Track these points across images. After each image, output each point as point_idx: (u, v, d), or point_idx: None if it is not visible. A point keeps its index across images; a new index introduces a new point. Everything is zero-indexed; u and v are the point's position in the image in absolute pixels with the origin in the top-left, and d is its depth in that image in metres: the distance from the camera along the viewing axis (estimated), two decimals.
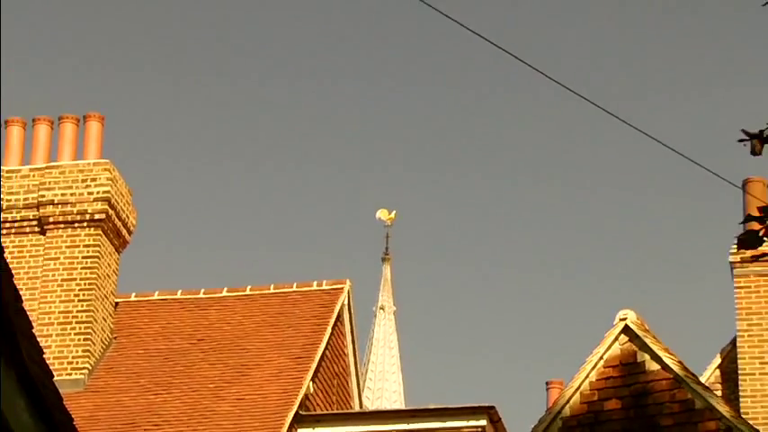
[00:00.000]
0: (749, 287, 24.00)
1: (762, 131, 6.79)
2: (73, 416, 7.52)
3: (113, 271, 24.95)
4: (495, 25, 66.17)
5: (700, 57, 70.22)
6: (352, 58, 70.17)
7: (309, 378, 23.50)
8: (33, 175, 24.73)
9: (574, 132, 66.99)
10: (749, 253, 23.13)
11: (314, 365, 23.79)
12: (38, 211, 24.44)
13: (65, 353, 23.65)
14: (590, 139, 67.76)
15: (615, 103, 64.78)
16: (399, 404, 27.86)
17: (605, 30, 68.71)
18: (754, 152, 6.77)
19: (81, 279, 24.30)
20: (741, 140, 6.75)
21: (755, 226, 6.92)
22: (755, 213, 6.86)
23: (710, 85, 63.95)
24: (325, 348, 24.46)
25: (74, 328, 24.11)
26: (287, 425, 22.20)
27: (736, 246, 7.36)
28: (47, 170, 24.75)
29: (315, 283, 26.00)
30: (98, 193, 24.43)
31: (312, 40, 68.81)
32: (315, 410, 23.44)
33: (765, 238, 6.98)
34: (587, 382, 18.53)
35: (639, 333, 18.46)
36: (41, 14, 64.96)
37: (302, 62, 69.52)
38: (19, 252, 23.85)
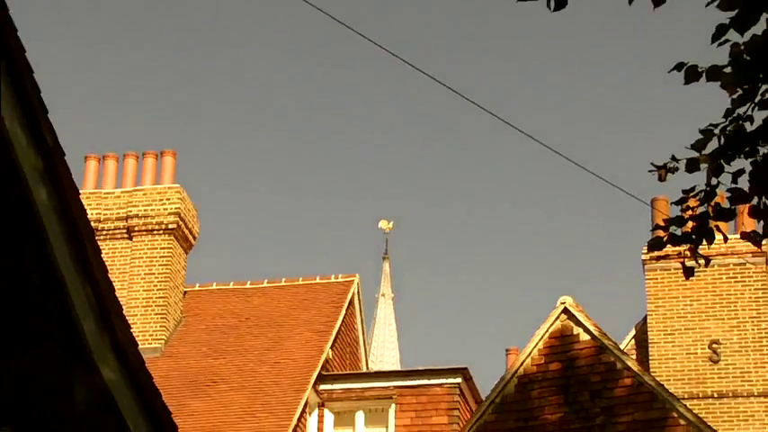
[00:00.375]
0: (656, 278, 24.12)
1: (666, 164, 6.43)
2: (152, 374, 7.57)
3: (182, 267, 25.38)
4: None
5: (623, 100, 69.54)
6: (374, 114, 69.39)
7: (328, 347, 23.83)
8: (123, 196, 25.22)
9: (521, 168, 67.19)
10: (656, 254, 23.36)
11: (332, 338, 24.12)
12: (126, 222, 24.91)
13: (146, 328, 23.98)
14: (533, 172, 67.70)
15: (556, 139, 64.83)
16: (396, 366, 27.71)
17: (527, 59, 67.45)
18: (661, 179, 6.46)
19: (158, 273, 24.87)
20: (650, 171, 6.43)
21: (661, 233, 6.72)
22: (661, 224, 6.79)
23: (632, 124, 64.02)
24: (340, 325, 24.80)
25: (153, 310, 24.40)
26: (312, 382, 22.59)
27: (647, 248, 7.02)
28: (133, 192, 25.27)
29: (332, 276, 26.21)
30: (171, 209, 24.91)
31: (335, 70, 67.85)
32: (332, 371, 23.71)
33: (668, 244, 6.74)
34: (536, 349, 18.34)
35: (575, 313, 18.28)
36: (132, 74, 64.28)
37: (330, 94, 68.83)
38: (112, 253, 24.17)
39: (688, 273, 6.93)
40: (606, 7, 67.42)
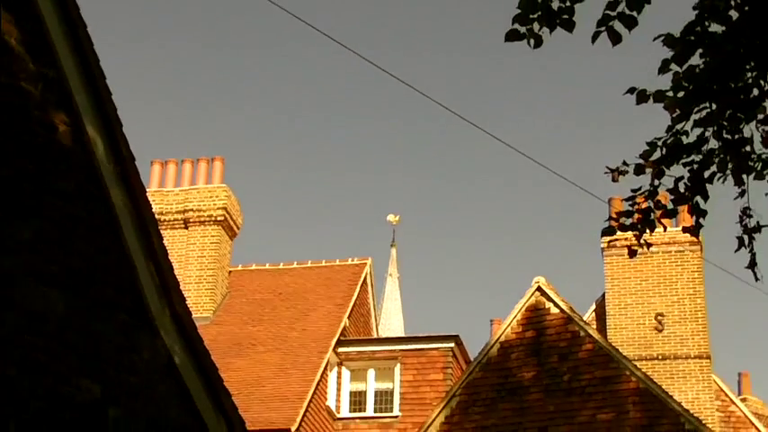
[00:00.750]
0: (612, 262, 24.11)
1: (618, 168, 6.47)
2: (203, 338, 7.57)
3: (228, 251, 25.40)
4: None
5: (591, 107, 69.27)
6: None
7: (346, 317, 23.96)
8: (181, 194, 25.27)
9: (507, 176, 67.16)
10: (610, 238, 23.28)
11: (348, 309, 24.24)
12: (183, 215, 24.95)
13: (199, 301, 24.04)
14: (518, 180, 67.61)
15: (532, 146, 64.60)
16: (400, 333, 27.67)
17: (508, 66, 67.41)
18: (614, 180, 6.47)
19: (209, 256, 24.96)
20: (605, 172, 6.48)
21: (613, 223, 6.75)
22: (614, 216, 6.77)
23: (602, 137, 63.96)
24: (356, 299, 24.84)
25: (204, 286, 24.43)
26: (332, 345, 22.64)
27: (601, 235, 7.08)
28: (189, 191, 25.33)
29: (350, 259, 26.29)
30: (219, 204, 24.98)
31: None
32: (349, 337, 23.73)
33: (618, 231, 6.77)
34: (515, 320, 18.38)
35: (547, 290, 18.34)
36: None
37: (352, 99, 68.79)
38: (171, 240, 24.22)
39: (632, 253, 7.01)
40: (573, 39, 67.26)
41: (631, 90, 6.34)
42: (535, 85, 70.03)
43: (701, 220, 6.56)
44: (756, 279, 6.55)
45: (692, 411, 17.78)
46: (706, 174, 6.36)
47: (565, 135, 69.14)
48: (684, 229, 6.75)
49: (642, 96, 6.26)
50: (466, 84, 68.36)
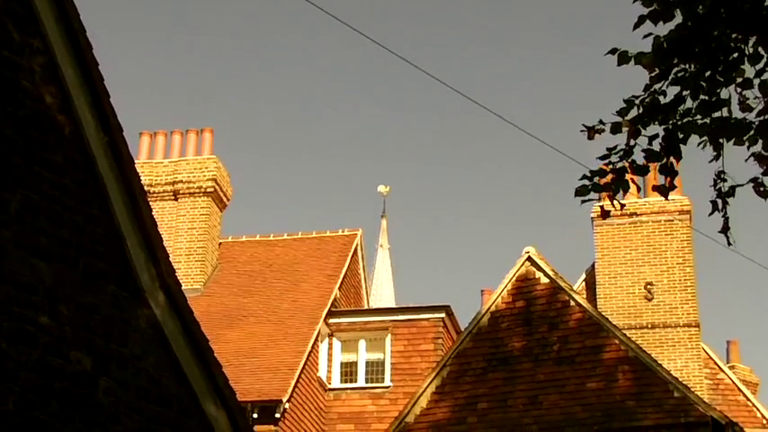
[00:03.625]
0: (602, 233, 24.16)
1: (594, 126, 6.32)
2: (193, 310, 7.58)
3: (218, 223, 25.34)
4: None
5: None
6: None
7: (336, 288, 23.99)
8: (170, 165, 25.20)
9: (499, 147, 67.14)
10: (583, 199, 23.34)
11: (339, 280, 24.27)
12: (173, 186, 24.89)
13: (189, 272, 24.01)
14: (509, 151, 67.55)
15: (523, 116, 64.52)
16: (391, 304, 27.71)
17: (497, 34, 67.19)
18: (590, 138, 6.32)
19: (199, 228, 24.97)
20: (581, 130, 6.38)
21: (587, 183, 6.51)
22: (588, 175, 6.58)
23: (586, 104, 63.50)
24: (347, 270, 24.84)
25: (194, 258, 24.37)
26: (323, 316, 22.70)
27: (574, 194, 6.76)
28: (179, 162, 25.29)
29: (340, 230, 26.26)
30: (209, 175, 24.92)
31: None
32: (340, 308, 23.76)
33: (591, 191, 6.56)
34: (505, 290, 18.41)
35: (537, 260, 18.40)
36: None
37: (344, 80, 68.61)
38: (161, 212, 24.20)
39: (604, 214, 6.96)
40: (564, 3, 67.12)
41: (612, 51, 6.30)
42: (524, 53, 69.95)
43: (673, 180, 6.49)
44: (729, 244, 6.51)
45: (680, 379, 17.82)
46: (681, 135, 6.30)
47: (556, 105, 69.16)
48: (655, 188, 6.73)
49: (623, 58, 6.24)
50: (455, 53, 68.26)
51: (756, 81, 6.20)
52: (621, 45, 6.27)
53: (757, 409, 23.39)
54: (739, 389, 23.76)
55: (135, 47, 66.71)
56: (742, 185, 6.39)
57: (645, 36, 6.23)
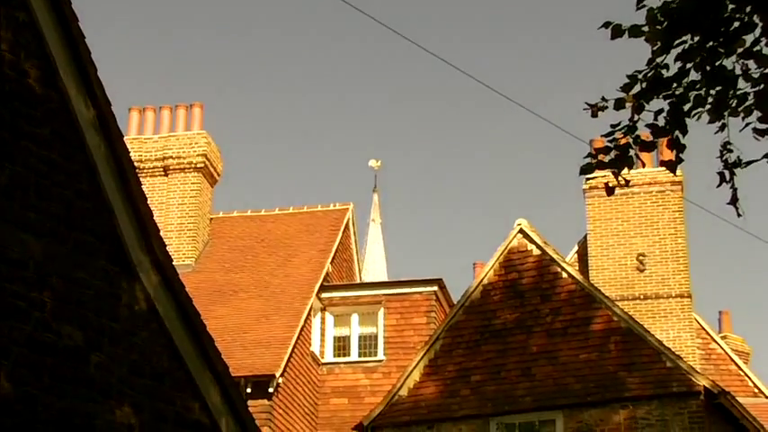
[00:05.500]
0: (594, 204, 24.33)
1: (597, 103, 6.34)
2: (185, 285, 7.53)
3: (209, 198, 25.32)
4: None
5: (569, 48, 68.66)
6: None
7: (329, 262, 23.99)
8: (160, 141, 25.17)
9: (492, 120, 66.80)
10: (594, 182, 23.32)
11: (331, 255, 24.27)
12: (163, 162, 24.84)
13: (180, 248, 23.98)
14: (493, 126, 67.44)
15: (514, 88, 64.28)
16: (383, 278, 27.67)
17: (491, 8, 66.74)
18: (593, 115, 6.35)
19: (189, 204, 25.08)
20: (585, 108, 6.37)
21: (593, 161, 6.64)
22: (593, 153, 6.63)
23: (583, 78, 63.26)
24: (338, 244, 24.89)
25: (185, 233, 24.35)
26: (315, 290, 22.70)
27: (579, 171, 6.80)
28: (168, 137, 25.28)
29: (332, 204, 26.27)
30: (199, 151, 24.89)
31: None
32: (332, 282, 23.78)
33: (596, 169, 6.64)
34: (497, 263, 18.56)
35: (529, 232, 18.54)
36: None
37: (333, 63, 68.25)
38: (151, 188, 24.17)
39: (609, 191, 6.97)
40: None
41: (606, 24, 6.26)
42: (517, 26, 69.76)
43: (680, 154, 6.51)
44: (739, 215, 6.49)
45: (673, 349, 17.90)
46: (686, 107, 6.27)
47: (547, 77, 69.05)
48: (662, 163, 6.71)
49: (617, 31, 6.21)
50: (447, 26, 68.02)
51: (756, 50, 6.17)
52: (624, 21, 6.20)
53: (749, 378, 23.58)
54: (731, 358, 23.92)
55: (122, 21, 66.38)
56: (757, 161, 6.41)
57: (638, 8, 6.19)
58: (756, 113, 6.25)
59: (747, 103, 6.24)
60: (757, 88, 6.16)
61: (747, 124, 6.26)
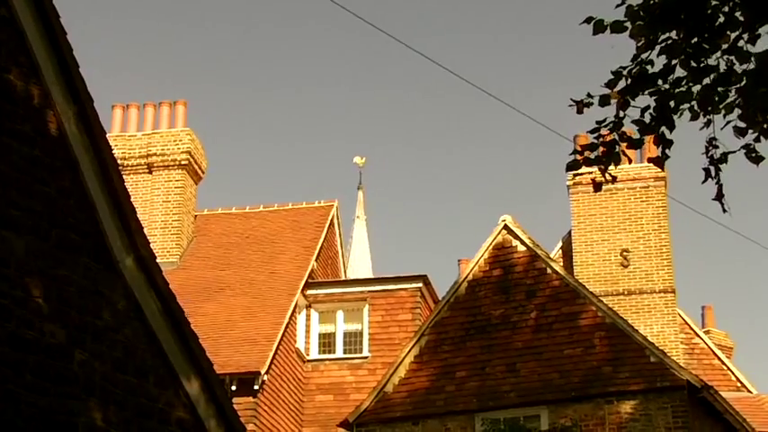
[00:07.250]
0: (578, 200, 24.32)
1: (582, 100, 6.34)
2: (169, 282, 7.52)
3: (193, 196, 25.24)
4: None
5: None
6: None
7: (314, 259, 23.99)
8: (144, 138, 25.04)
9: (476, 118, 67.02)
10: (578, 179, 23.34)
11: (316, 252, 24.27)
12: (147, 159, 24.75)
13: (165, 245, 23.89)
14: (477, 123, 67.47)
15: (498, 86, 64.32)
16: (368, 275, 27.69)
17: (475, 5, 66.74)
18: (579, 112, 6.37)
19: (173, 201, 25.05)
20: (570, 105, 6.37)
21: (579, 157, 6.65)
22: (578, 149, 6.72)
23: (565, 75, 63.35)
24: (323, 241, 24.87)
25: (170, 231, 24.26)
26: (300, 287, 22.71)
27: (565, 168, 6.75)
28: (152, 135, 25.17)
29: (317, 201, 26.25)
30: (183, 148, 24.82)
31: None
32: (317, 279, 23.77)
33: (583, 165, 6.67)
34: (482, 259, 18.56)
35: (513, 228, 18.55)
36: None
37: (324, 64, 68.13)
38: (135, 185, 24.06)
39: (597, 187, 6.96)
40: None
41: (588, 20, 6.24)
42: (501, 23, 69.82)
43: (666, 150, 6.50)
44: (724, 211, 6.47)
45: (657, 344, 17.94)
46: (671, 103, 6.25)
47: (530, 73, 69.12)
48: (650, 160, 6.70)
49: (599, 26, 6.18)
50: (431, 23, 68.03)
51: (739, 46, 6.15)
52: (608, 17, 6.16)
53: (732, 373, 23.70)
54: (714, 353, 24.03)
55: (105, 18, 66.14)
56: (734, 152, 6.37)
57: (617, 6, 6.16)
58: (737, 111, 6.26)
59: (728, 101, 6.24)
60: (739, 85, 6.15)
61: (729, 122, 6.26)
